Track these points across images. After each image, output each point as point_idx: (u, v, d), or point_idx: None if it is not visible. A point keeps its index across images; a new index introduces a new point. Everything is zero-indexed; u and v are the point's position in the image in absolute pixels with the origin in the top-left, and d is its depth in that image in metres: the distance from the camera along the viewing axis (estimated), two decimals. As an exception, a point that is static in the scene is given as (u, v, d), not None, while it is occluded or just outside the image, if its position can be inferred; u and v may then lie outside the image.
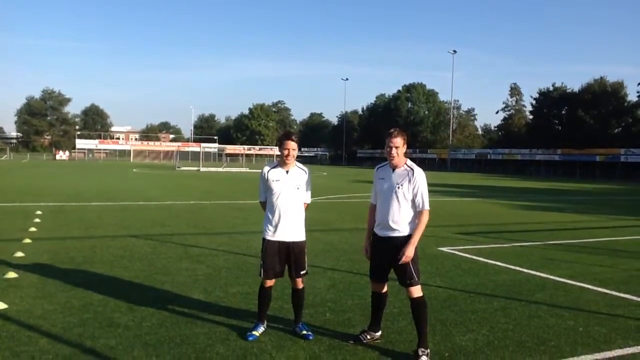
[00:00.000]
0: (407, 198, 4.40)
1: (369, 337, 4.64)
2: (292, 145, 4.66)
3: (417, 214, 4.45)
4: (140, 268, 7.26)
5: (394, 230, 4.41)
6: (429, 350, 4.33)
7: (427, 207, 4.44)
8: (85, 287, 6.15)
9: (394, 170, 4.49)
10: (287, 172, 4.73)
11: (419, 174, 4.45)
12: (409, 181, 4.40)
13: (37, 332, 4.62)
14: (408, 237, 4.40)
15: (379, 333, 4.72)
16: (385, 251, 4.47)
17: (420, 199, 4.41)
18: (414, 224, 4.44)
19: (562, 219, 15.41)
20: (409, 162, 4.54)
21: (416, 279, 4.39)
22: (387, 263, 4.49)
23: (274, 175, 4.73)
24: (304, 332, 4.73)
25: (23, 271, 6.79)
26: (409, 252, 4.33)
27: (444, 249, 9.29)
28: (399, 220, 4.40)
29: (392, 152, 4.42)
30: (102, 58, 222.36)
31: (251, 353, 4.30)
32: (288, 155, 4.67)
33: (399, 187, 4.40)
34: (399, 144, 4.42)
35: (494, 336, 4.87)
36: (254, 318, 4.95)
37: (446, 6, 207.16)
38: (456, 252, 9.03)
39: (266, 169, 4.81)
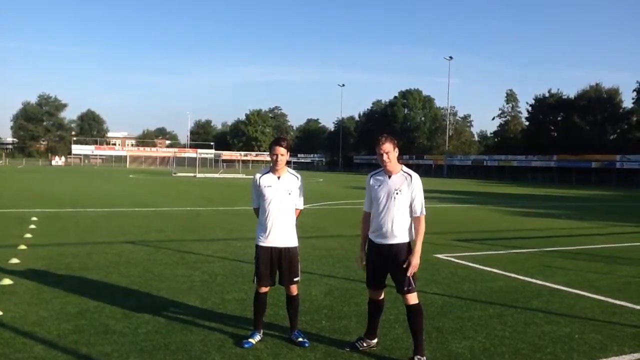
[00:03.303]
0: (406, 204, 4.40)
1: (365, 344, 4.63)
2: (281, 150, 4.68)
3: (414, 220, 4.44)
4: (136, 274, 7.24)
5: (393, 237, 4.39)
6: (425, 358, 4.33)
7: (424, 212, 4.46)
8: (80, 293, 6.12)
9: (390, 176, 4.47)
10: (278, 177, 4.74)
11: (417, 179, 4.45)
12: (407, 187, 4.40)
13: (32, 339, 4.60)
14: (407, 245, 4.40)
15: (375, 340, 4.70)
16: (383, 258, 4.45)
17: (418, 205, 4.42)
18: (411, 230, 4.44)
19: (558, 226, 15.45)
20: (405, 167, 4.54)
21: (413, 286, 4.38)
22: (385, 270, 4.48)
23: (266, 182, 4.74)
24: (300, 339, 4.71)
25: (18, 278, 6.76)
26: (416, 262, 4.33)
27: (440, 255, 9.29)
28: (398, 227, 4.39)
29: (384, 158, 4.41)
30: (98, 63, 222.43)
31: (247, 360, 4.28)
32: (277, 160, 4.69)
33: (397, 194, 4.38)
34: (389, 149, 4.40)
35: (490, 343, 4.87)
36: (250, 325, 4.94)
37: (442, 12, 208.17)
38: (452, 259, 9.03)
39: (258, 175, 4.83)
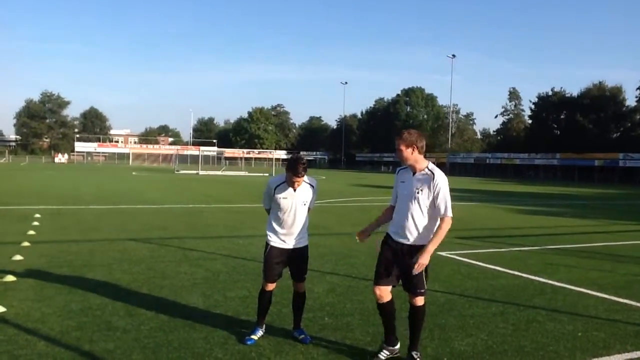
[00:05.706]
0: (426, 204, 4.15)
1: (387, 352, 4.39)
2: (300, 180, 4.60)
3: (438, 220, 4.21)
4: (139, 272, 7.25)
5: (411, 238, 4.18)
6: (419, 353, 4.32)
7: (449, 214, 4.16)
8: (83, 290, 6.14)
9: (414, 174, 4.24)
10: (294, 190, 4.71)
11: (440, 178, 4.16)
12: (429, 186, 4.14)
13: (36, 336, 4.61)
14: (421, 248, 4.16)
15: (398, 346, 4.44)
16: (398, 257, 4.24)
17: (442, 205, 4.13)
18: (430, 233, 4.18)
19: (561, 224, 15.42)
20: (431, 165, 4.26)
21: (425, 289, 4.24)
22: (397, 268, 4.25)
23: (282, 193, 4.67)
24: (302, 336, 4.73)
25: (21, 274, 6.78)
26: (423, 260, 4.07)
27: (443, 253, 9.26)
28: (417, 228, 4.17)
29: (398, 155, 4.25)
30: (101, 61, 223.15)
31: (250, 357, 4.29)
32: (294, 184, 4.61)
33: (418, 192, 4.14)
34: (400, 146, 4.19)
35: (493, 341, 4.86)
36: (253, 322, 4.95)
37: (445, 10, 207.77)
38: (455, 257, 9.02)
39: (272, 184, 4.73)
